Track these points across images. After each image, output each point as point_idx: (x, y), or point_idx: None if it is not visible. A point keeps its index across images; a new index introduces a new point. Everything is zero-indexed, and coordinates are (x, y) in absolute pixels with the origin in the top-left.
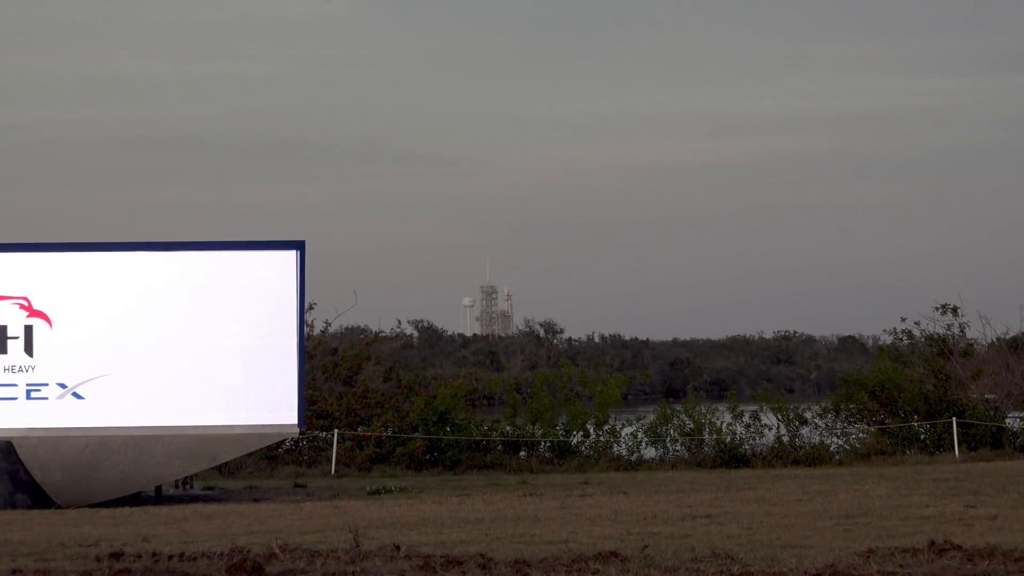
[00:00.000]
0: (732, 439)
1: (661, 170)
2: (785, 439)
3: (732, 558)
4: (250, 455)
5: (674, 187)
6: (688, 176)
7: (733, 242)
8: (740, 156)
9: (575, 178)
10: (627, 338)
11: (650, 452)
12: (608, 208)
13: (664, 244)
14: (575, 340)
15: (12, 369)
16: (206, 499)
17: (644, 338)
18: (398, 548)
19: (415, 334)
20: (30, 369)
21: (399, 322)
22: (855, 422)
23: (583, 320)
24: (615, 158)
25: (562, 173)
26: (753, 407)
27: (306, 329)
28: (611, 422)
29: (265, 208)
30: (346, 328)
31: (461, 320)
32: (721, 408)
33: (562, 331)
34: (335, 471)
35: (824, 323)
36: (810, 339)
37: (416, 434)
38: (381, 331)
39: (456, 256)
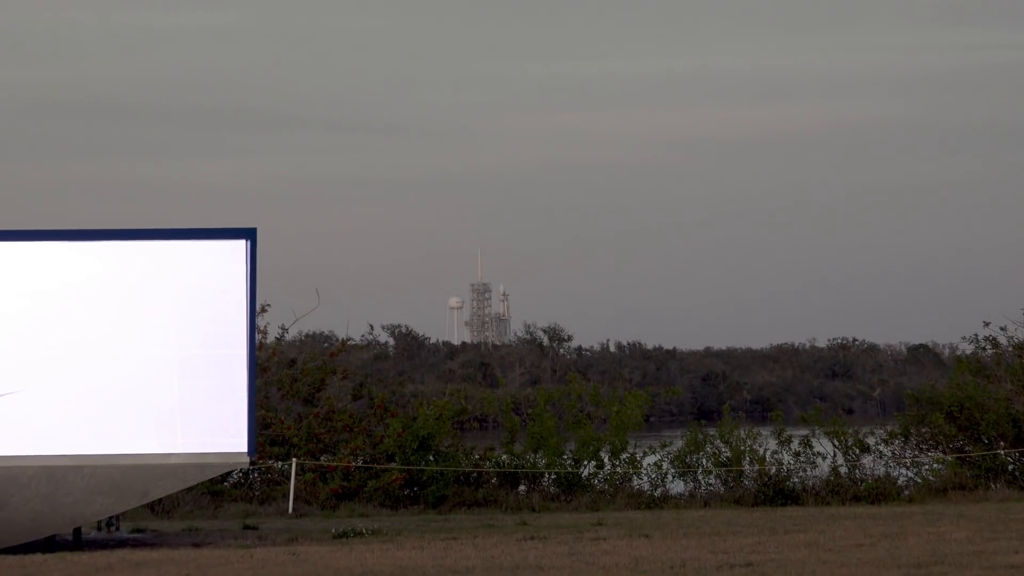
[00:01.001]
0: (778, 470)
1: (690, 143)
2: (843, 470)
3: None
4: (189, 490)
5: (706, 163)
6: (723, 150)
7: (777, 231)
8: (786, 126)
9: (585, 152)
10: (649, 347)
11: (678, 486)
12: (625, 190)
13: (694, 233)
14: (586, 350)
15: None
16: (135, 544)
17: (670, 347)
18: None
19: (391, 342)
20: None
21: (371, 328)
22: (928, 450)
23: (595, 326)
24: (633, 128)
25: (569, 146)
26: (803, 431)
27: (258, 336)
28: (630, 449)
29: (207, 188)
30: (307, 335)
31: (447, 325)
32: (764, 432)
33: (570, 338)
34: (293, 509)
35: (890, 329)
36: (872, 348)
37: (392, 464)
38: (349, 339)
39: (440, 247)
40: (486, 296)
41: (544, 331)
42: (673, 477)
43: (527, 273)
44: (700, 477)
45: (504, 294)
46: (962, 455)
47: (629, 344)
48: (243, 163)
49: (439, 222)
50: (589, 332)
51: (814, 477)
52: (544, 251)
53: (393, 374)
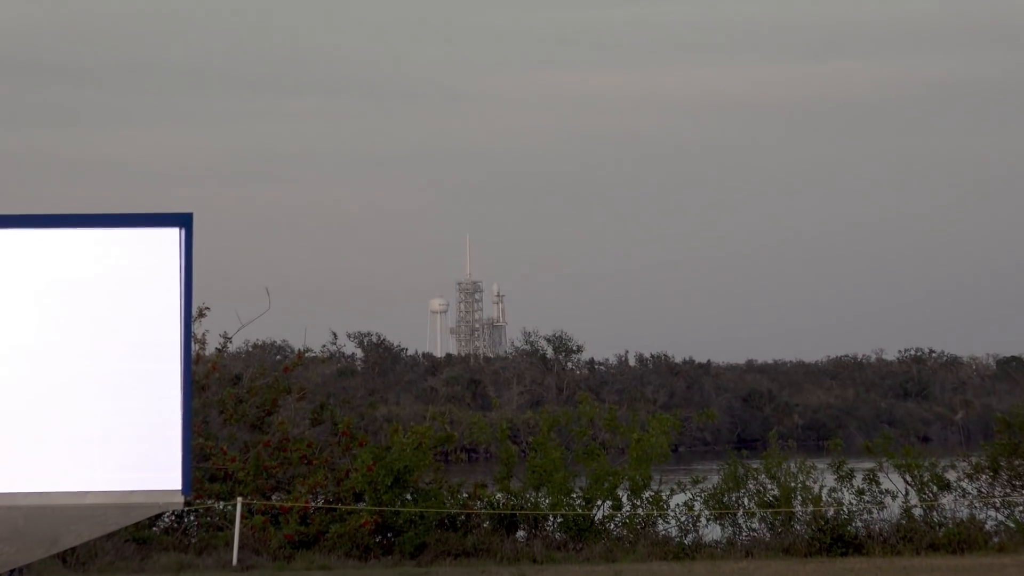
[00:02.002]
0: (837, 512)
1: (722, 106)
2: (917, 512)
3: None
4: (110, 537)
5: (741, 131)
6: (761, 114)
7: (833, 218)
8: (839, 86)
9: (594, 117)
10: (678, 360)
11: (713, 532)
12: (645, 162)
13: (731, 220)
14: (599, 363)
15: None
16: None
17: (703, 360)
18: None
19: (359, 354)
20: None
21: (334, 336)
22: (1023, 487)
23: (610, 334)
24: (652, 87)
25: (578, 112)
26: (868, 464)
27: (195, 347)
28: (654, 486)
29: (129, 164)
30: (255, 345)
31: (428, 333)
32: (820, 465)
33: (579, 349)
34: (238, 560)
35: (975, 339)
36: (954, 362)
37: (361, 505)
38: (307, 350)
39: (420, 236)
40: (476, 297)
41: (548, 340)
42: (708, 521)
43: (527, 270)
44: (741, 521)
45: (498, 294)
46: None
47: (653, 357)
48: (173, 133)
49: (418, 205)
50: (603, 342)
51: (881, 521)
52: (547, 242)
53: (362, 393)
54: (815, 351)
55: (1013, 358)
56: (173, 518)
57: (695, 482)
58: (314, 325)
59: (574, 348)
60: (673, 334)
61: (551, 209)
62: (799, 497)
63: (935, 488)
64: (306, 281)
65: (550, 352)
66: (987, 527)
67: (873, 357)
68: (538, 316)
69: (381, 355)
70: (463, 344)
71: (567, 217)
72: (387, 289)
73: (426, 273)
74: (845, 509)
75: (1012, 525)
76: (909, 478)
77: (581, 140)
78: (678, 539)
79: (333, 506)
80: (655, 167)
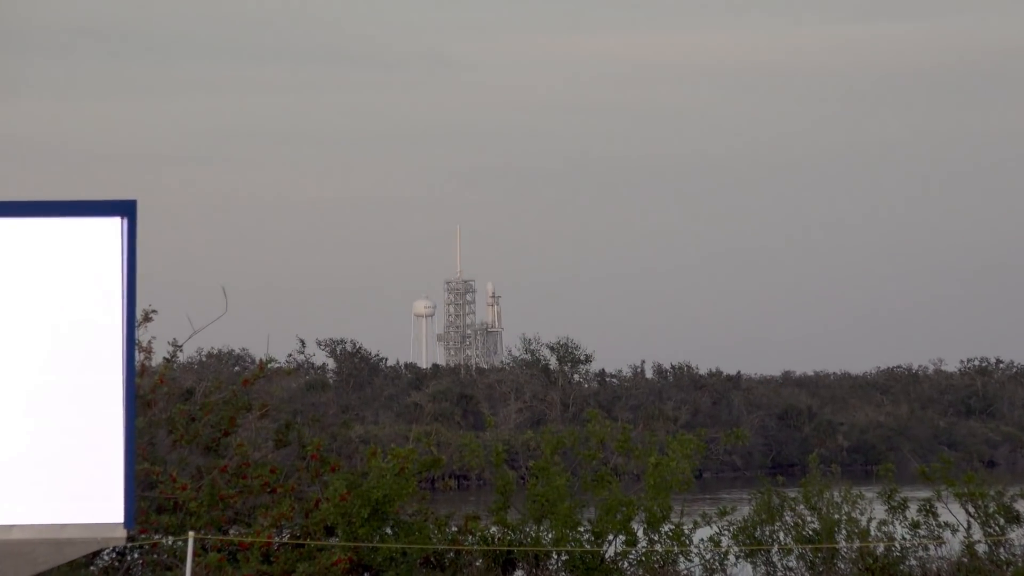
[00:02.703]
0: (888, 549)
1: (752, 76)
2: (981, 548)
3: None
4: None
5: (773, 105)
6: (798, 86)
7: (882, 208)
8: (888, 53)
9: (608, 90)
10: (702, 372)
11: (744, 571)
12: (661, 141)
13: (762, 210)
14: (611, 375)
15: None
16: None
17: (732, 372)
18: None
19: (330, 364)
20: None
21: (302, 344)
22: None
23: (624, 341)
24: (669, 53)
25: (584, 81)
26: (924, 492)
27: (140, 356)
28: (675, 518)
29: (52, 143)
30: (209, 354)
31: (411, 340)
32: (868, 494)
33: (588, 359)
34: None
35: None
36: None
37: (333, 540)
38: (271, 359)
39: (403, 228)
40: (468, 299)
41: (551, 348)
42: (737, 558)
43: (527, 267)
44: (776, 559)
45: (493, 295)
46: None
47: (674, 368)
48: (114, 107)
49: (400, 191)
50: (615, 351)
51: (939, 559)
52: (550, 235)
53: (334, 410)
54: (863, 362)
55: None
56: (114, 555)
57: (722, 514)
58: (278, 331)
59: (582, 358)
60: (697, 342)
61: (555, 197)
62: (843, 531)
63: (1002, 521)
64: (269, 280)
65: (554, 362)
66: None
67: (931, 368)
68: (540, 321)
69: (356, 366)
70: (452, 353)
71: (574, 207)
72: (363, 289)
73: (409, 270)
74: (897, 545)
75: None
76: (972, 509)
77: (594, 116)
78: None
79: (300, 542)
80: (676, 149)
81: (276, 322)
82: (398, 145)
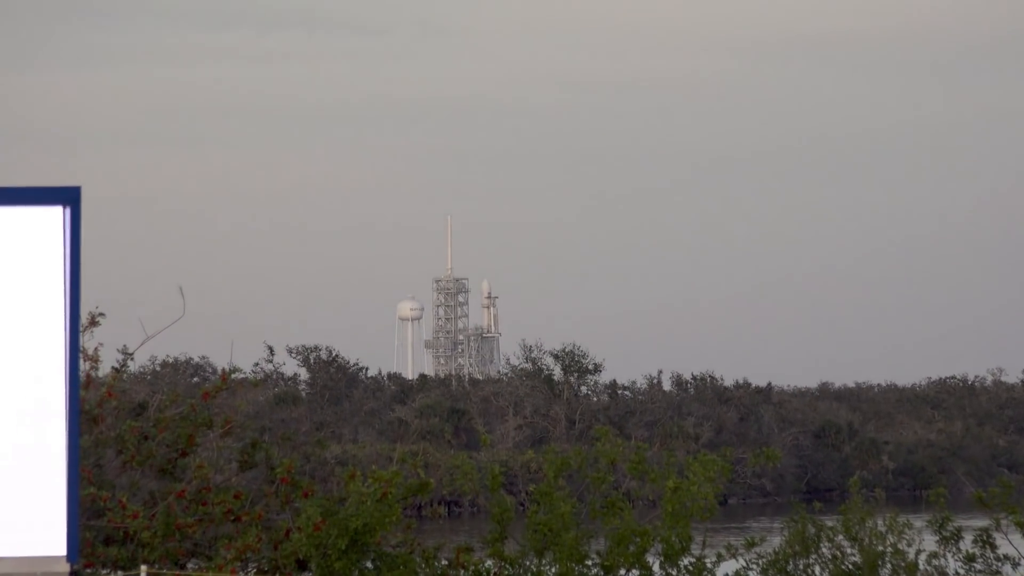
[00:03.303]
0: None
1: (795, 48)
2: None
3: None
4: None
5: (809, 78)
6: (833, 60)
7: (934, 205)
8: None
9: (620, 62)
10: (728, 383)
11: None
12: (678, 126)
13: (794, 202)
14: (623, 387)
15: None
16: None
17: (762, 383)
18: None
19: (302, 375)
20: None
21: (271, 351)
22: None
23: (638, 348)
24: (687, 26)
25: (598, 50)
26: (981, 521)
27: (85, 366)
28: (696, 550)
29: None
30: (164, 363)
31: (395, 347)
32: (917, 523)
33: (597, 369)
34: None
35: None
36: None
37: (306, 575)
38: (235, 369)
39: (386, 218)
40: (460, 299)
41: (555, 356)
42: None
43: (526, 263)
44: None
45: (489, 296)
46: None
47: (695, 379)
48: (38, 78)
49: (382, 176)
50: (628, 358)
51: None
52: (551, 225)
53: (307, 428)
54: (911, 372)
55: None
56: None
57: (750, 545)
58: (243, 336)
59: (590, 367)
60: (721, 349)
61: (558, 185)
62: (888, 565)
63: None
64: (233, 278)
65: (558, 372)
66: None
67: (989, 380)
68: (542, 325)
69: (333, 376)
70: (442, 362)
71: (580, 196)
72: (341, 288)
73: (393, 267)
74: None
75: None
76: None
77: (602, 92)
78: None
79: None
80: (699, 129)
81: (241, 326)
82: (379, 122)
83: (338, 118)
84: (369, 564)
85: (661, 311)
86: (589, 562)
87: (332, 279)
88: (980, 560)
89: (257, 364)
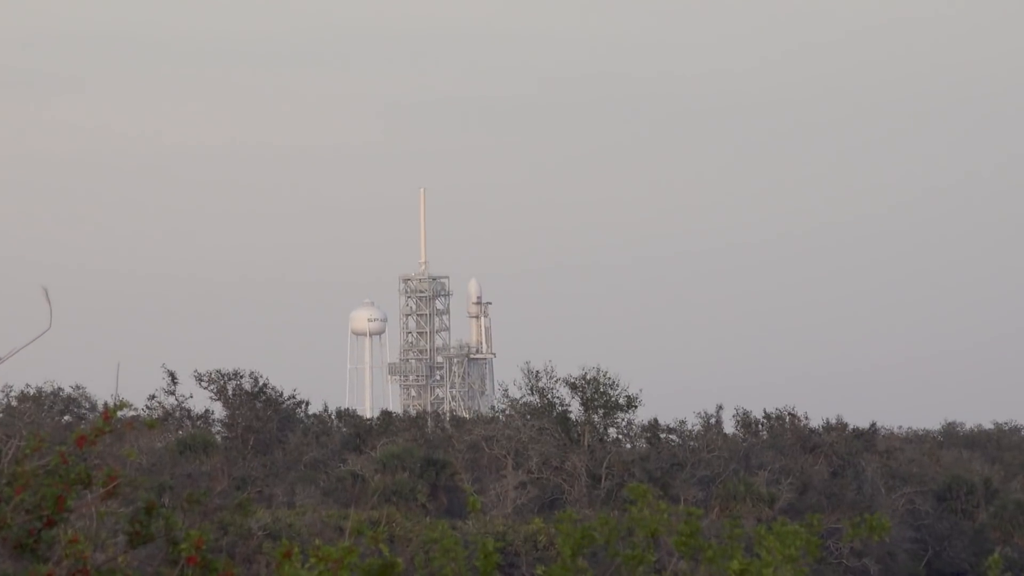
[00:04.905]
0: None
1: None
2: None
3: None
4: None
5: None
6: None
7: None
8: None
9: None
10: (813, 425)
11: None
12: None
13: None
14: (668, 429)
15: None
16: None
17: (863, 424)
18: None
19: (217, 412)
20: None
21: (173, 379)
22: None
23: (686, 373)
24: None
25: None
26: None
27: None
28: None
29: None
30: (23, 396)
31: (349, 371)
32: None
33: (631, 403)
34: None
35: None
36: None
37: None
38: (123, 404)
39: (336, 194)
40: (438, 306)
41: (572, 385)
42: None
43: (528, 252)
44: None
45: (479, 300)
46: None
47: (768, 418)
48: None
49: (330, 135)
50: (672, 388)
51: None
52: (552, 221)
53: (224, 485)
54: None
55: None
56: None
57: None
58: (134, 357)
59: (620, 401)
60: (804, 378)
61: (562, 160)
62: None
63: None
64: (119, 277)
65: (576, 408)
66: None
67: None
68: (552, 341)
69: (260, 414)
70: (413, 393)
71: (596, 159)
72: (271, 291)
73: (344, 261)
74: None
75: None
76: None
77: (615, 52)
78: None
79: None
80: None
81: (130, 344)
82: (327, 69)
83: (273, 61)
84: None
85: (717, 323)
86: None
87: (259, 278)
88: None
89: (153, 396)
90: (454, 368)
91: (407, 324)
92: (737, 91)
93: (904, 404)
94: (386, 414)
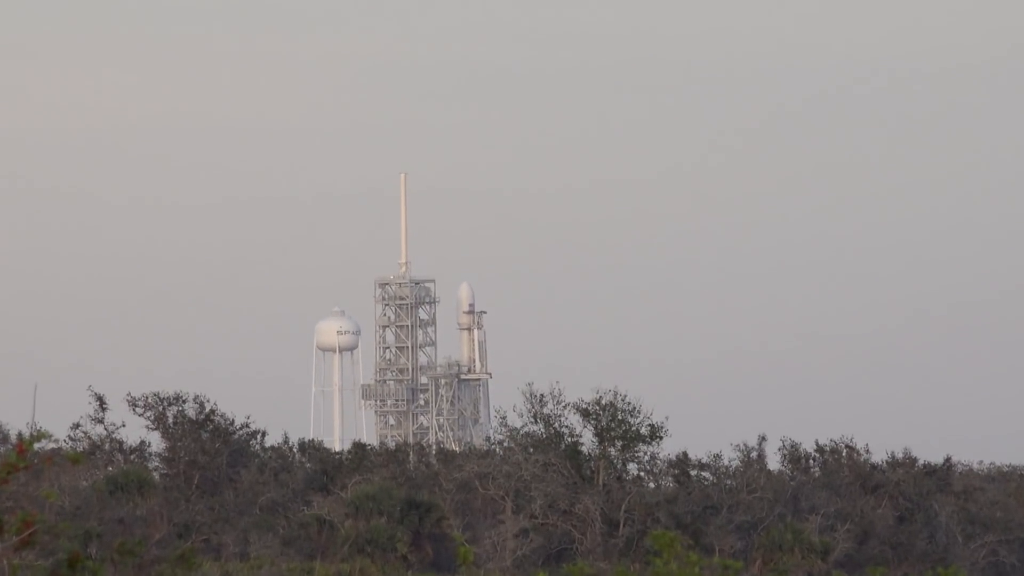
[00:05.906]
0: None
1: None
2: None
3: None
4: None
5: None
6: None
7: None
8: None
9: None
10: (875, 460)
11: None
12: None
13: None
14: (701, 464)
15: None
16: None
17: (935, 460)
18: None
19: (155, 442)
20: None
21: (100, 404)
22: None
23: (721, 398)
24: None
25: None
26: None
27: None
28: None
29: None
30: None
31: (314, 395)
32: None
33: (656, 434)
34: None
35: None
36: None
37: None
38: (42, 434)
39: (300, 187)
40: (421, 315)
41: (584, 411)
42: None
43: (528, 254)
44: None
45: (471, 308)
46: None
47: (821, 451)
48: None
49: (295, 119)
50: (704, 415)
51: None
52: (561, 198)
53: (164, 532)
54: None
55: None
56: None
57: None
58: (54, 379)
59: (642, 431)
60: (863, 403)
61: (572, 140)
62: None
63: None
64: (38, 283)
65: (589, 439)
66: None
67: None
68: (558, 358)
69: (206, 446)
70: (392, 421)
71: (605, 147)
72: (219, 297)
73: (310, 262)
74: None
75: None
76: None
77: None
78: None
79: None
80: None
81: (50, 363)
82: (295, 46)
83: (229, 37)
84: None
85: (758, 336)
86: None
87: (207, 284)
88: None
89: (78, 426)
90: (441, 391)
91: (384, 337)
92: (755, 54)
93: (985, 435)
94: (359, 447)
